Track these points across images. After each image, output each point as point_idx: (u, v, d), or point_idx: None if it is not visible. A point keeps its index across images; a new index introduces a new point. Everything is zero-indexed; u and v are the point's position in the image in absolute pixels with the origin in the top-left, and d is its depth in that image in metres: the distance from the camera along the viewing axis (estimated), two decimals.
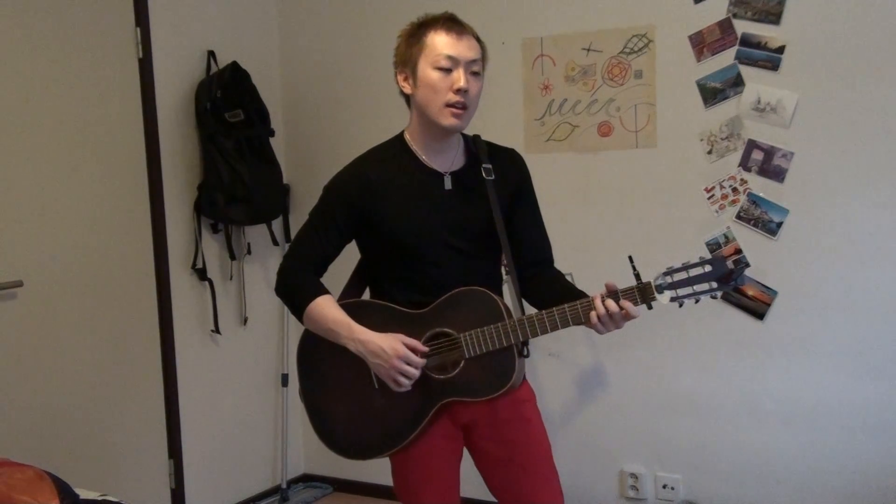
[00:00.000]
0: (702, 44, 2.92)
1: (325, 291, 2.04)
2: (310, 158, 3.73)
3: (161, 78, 3.21)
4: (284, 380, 3.76)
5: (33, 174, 2.82)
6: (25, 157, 2.80)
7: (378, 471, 3.60)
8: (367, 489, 3.69)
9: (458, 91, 1.89)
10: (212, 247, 3.45)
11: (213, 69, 3.39)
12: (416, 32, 1.96)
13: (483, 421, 2.04)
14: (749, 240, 2.91)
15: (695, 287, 1.80)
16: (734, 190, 2.92)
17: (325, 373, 2.10)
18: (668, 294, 1.81)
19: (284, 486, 3.73)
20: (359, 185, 2.00)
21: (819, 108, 2.78)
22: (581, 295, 1.94)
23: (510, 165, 2.08)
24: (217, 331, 3.43)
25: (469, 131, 2.08)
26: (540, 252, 2.11)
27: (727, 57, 2.89)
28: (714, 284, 1.79)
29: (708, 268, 1.79)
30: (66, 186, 2.92)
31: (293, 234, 3.72)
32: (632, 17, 3.02)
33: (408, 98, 2.01)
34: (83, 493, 1.81)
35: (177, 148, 3.29)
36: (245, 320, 3.59)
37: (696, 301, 1.81)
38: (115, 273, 3.08)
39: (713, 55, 2.91)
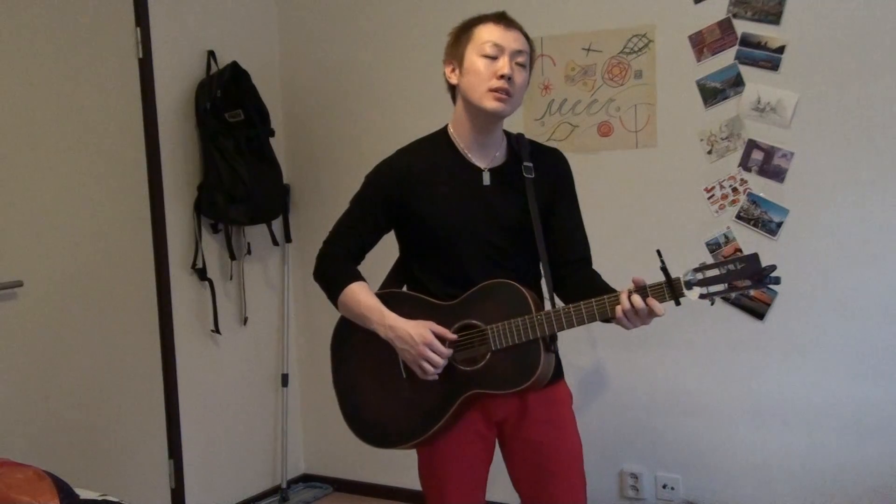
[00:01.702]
0: (702, 44, 2.92)
1: (360, 278, 2.07)
2: (310, 158, 3.73)
3: (161, 78, 3.21)
4: (284, 380, 3.76)
5: (33, 174, 2.82)
6: (25, 158, 2.80)
7: (378, 471, 3.61)
8: (367, 489, 3.69)
9: (502, 77, 1.91)
10: (212, 247, 3.45)
11: (213, 69, 3.39)
12: (466, 26, 2.00)
13: (514, 419, 2.05)
14: (749, 240, 2.91)
15: (727, 284, 1.77)
16: (734, 190, 2.92)
17: (356, 360, 2.12)
18: (697, 290, 1.78)
19: (284, 486, 3.73)
20: (398, 176, 2.03)
21: (819, 108, 2.78)
22: (612, 292, 1.94)
23: (552, 165, 2.10)
24: (217, 331, 3.43)
25: None
26: (577, 251, 2.10)
27: (727, 57, 2.89)
28: (747, 282, 1.77)
29: (741, 265, 1.77)
30: (66, 186, 2.92)
31: (293, 234, 3.73)
32: (632, 17, 3.02)
33: (453, 90, 2.03)
34: (83, 493, 1.81)
35: (177, 148, 3.29)
36: (245, 320, 3.59)
37: (727, 299, 1.80)
38: (115, 273, 3.08)
39: (713, 55, 2.91)
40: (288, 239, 3.73)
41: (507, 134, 2.10)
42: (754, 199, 2.90)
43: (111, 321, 3.07)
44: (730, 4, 2.86)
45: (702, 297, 1.79)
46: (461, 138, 2.04)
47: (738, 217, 2.92)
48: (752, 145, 2.88)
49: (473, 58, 1.94)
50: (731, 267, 1.77)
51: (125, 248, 3.12)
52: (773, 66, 2.82)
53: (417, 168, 2.02)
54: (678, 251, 2.99)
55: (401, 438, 2.06)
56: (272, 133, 3.50)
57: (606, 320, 1.88)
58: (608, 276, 2.01)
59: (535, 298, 1.95)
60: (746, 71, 2.86)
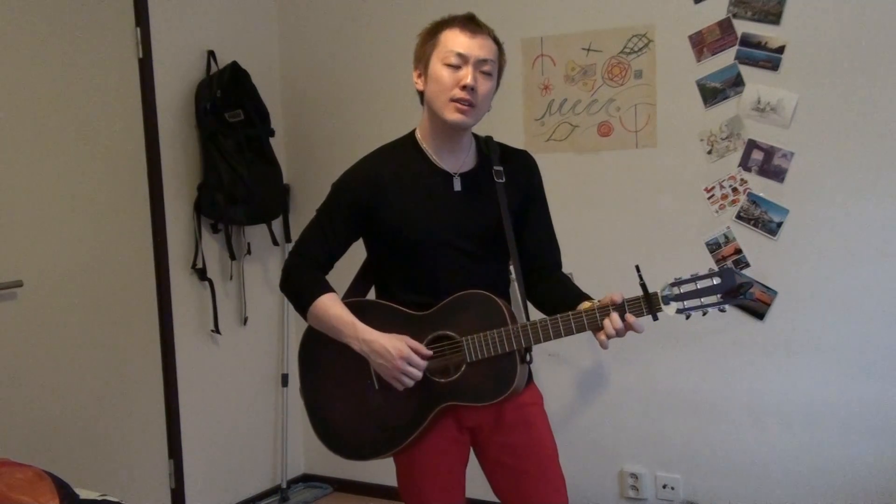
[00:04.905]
0: (702, 44, 2.92)
1: (329, 289, 2.03)
2: (310, 158, 3.73)
3: (161, 78, 3.21)
4: (284, 380, 3.76)
5: (33, 174, 2.82)
6: (26, 158, 2.80)
7: (378, 471, 3.60)
8: (367, 489, 3.69)
9: (464, 88, 1.88)
10: (212, 247, 3.45)
11: (213, 69, 3.39)
12: (433, 30, 1.96)
13: (488, 425, 2.04)
14: (749, 240, 2.91)
15: (702, 299, 1.78)
16: (734, 190, 2.92)
17: (325, 371, 2.10)
18: (674, 305, 1.79)
19: (284, 486, 3.73)
20: (367, 184, 1.99)
21: (819, 108, 2.78)
22: (585, 298, 1.93)
23: (522, 168, 2.07)
24: (217, 331, 3.43)
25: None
26: (547, 256, 2.10)
27: (727, 57, 2.89)
28: (721, 297, 1.77)
29: (717, 280, 1.77)
30: (66, 186, 2.92)
31: (293, 234, 3.73)
32: (632, 17, 3.02)
33: (421, 95, 2.00)
34: (83, 493, 1.82)
35: (177, 148, 3.29)
36: (245, 320, 3.59)
37: (704, 314, 1.79)
38: (115, 273, 3.08)
39: (713, 55, 2.91)
40: (288, 239, 3.73)
41: (476, 137, 2.07)
42: (754, 199, 2.90)
43: (111, 321, 3.07)
44: (730, 4, 2.86)
45: (678, 311, 1.80)
46: (428, 144, 2.00)
47: (738, 217, 2.92)
48: (752, 145, 2.88)
49: (437, 66, 1.91)
50: (706, 282, 1.78)
51: (125, 248, 3.12)
52: (773, 66, 2.82)
53: (386, 175, 1.99)
54: (678, 251, 3.00)
55: (373, 451, 2.04)
56: (272, 133, 3.50)
57: (582, 332, 1.87)
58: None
59: (510, 310, 1.94)
60: (746, 71, 2.86)
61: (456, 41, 1.90)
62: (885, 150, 2.71)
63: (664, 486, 3.12)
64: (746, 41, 2.85)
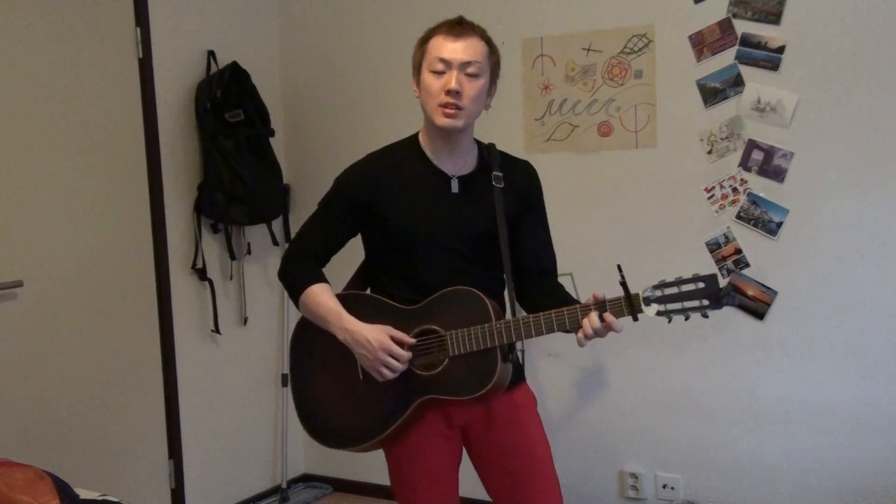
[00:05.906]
0: (702, 44, 2.92)
1: (322, 280, 2.07)
2: (310, 158, 3.74)
3: (161, 78, 3.21)
4: (284, 380, 3.76)
5: (33, 174, 2.82)
6: (26, 158, 2.80)
7: (378, 471, 3.60)
8: (367, 489, 3.69)
9: (449, 92, 1.92)
10: (212, 247, 3.45)
11: (213, 69, 3.39)
12: (424, 38, 2.01)
13: (478, 424, 2.05)
14: (749, 240, 2.91)
15: (684, 303, 1.79)
16: (734, 190, 2.92)
17: (314, 362, 2.13)
18: (655, 307, 1.80)
19: (284, 486, 3.73)
20: (366, 180, 2.03)
21: (819, 108, 2.78)
22: (574, 303, 1.95)
23: (522, 177, 2.10)
24: (217, 331, 3.43)
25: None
26: (542, 263, 2.12)
27: (727, 57, 2.89)
28: (705, 302, 1.78)
29: (700, 284, 1.78)
30: (66, 186, 2.92)
31: (293, 234, 3.72)
32: (632, 17, 3.03)
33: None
34: (83, 493, 1.82)
35: (177, 148, 3.29)
36: (245, 320, 3.59)
37: (686, 318, 1.81)
38: (115, 273, 3.08)
39: (713, 55, 2.91)
40: (288, 239, 3.73)
41: (479, 143, 2.10)
42: (754, 199, 2.90)
43: (111, 321, 3.07)
44: (730, 4, 2.87)
45: (659, 314, 1.81)
46: (428, 147, 2.04)
47: (738, 217, 2.92)
48: (752, 145, 2.88)
49: (426, 74, 1.96)
50: (690, 286, 1.79)
51: (125, 248, 3.12)
52: (773, 66, 2.82)
53: (386, 173, 2.03)
54: (678, 251, 3.00)
55: (354, 440, 2.07)
56: (272, 133, 3.50)
57: (563, 330, 1.89)
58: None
59: (495, 307, 1.96)
60: (746, 71, 2.86)
61: (440, 47, 1.94)
62: (885, 150, 2.71)
63: (664, 486, 3.12)
64: (746, 41, 2.85)
